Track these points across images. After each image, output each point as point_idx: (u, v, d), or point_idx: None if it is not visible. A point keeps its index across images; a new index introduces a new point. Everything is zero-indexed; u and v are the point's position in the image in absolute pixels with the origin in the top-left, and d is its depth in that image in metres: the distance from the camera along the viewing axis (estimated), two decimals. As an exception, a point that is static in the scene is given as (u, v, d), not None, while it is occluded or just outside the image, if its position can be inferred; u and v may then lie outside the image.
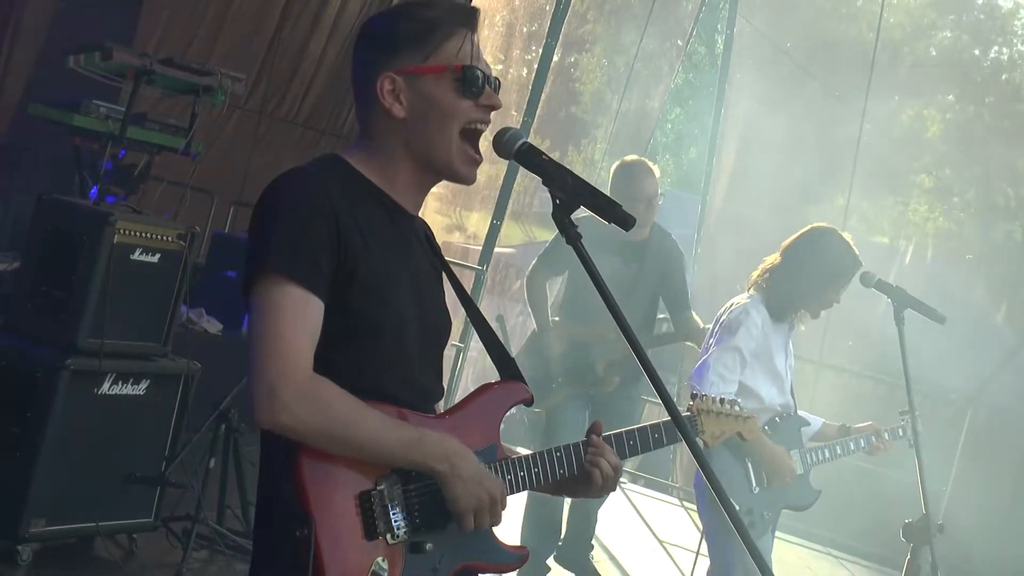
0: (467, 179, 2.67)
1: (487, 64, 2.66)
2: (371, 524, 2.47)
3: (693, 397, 3.30)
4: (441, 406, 2.77)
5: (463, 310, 2.98)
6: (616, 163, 7.02)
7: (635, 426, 3.00)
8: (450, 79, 2.59)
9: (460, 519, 2.56)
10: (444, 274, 2.86)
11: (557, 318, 6.89)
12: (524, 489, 2.76)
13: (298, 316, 2.40)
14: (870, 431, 5.38)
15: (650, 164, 6.84)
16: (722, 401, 3.38)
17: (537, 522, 6.93)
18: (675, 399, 2.66)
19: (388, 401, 2.53)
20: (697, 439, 3.19)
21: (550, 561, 7.04)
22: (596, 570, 7.26)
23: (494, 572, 2.77)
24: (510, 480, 2.71)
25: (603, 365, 6.69)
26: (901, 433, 5.41)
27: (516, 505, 7.10)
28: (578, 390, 6.70)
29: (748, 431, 3.44)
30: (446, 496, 2.53)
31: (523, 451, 2.80)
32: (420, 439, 2.51)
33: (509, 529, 6.79)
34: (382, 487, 2.49)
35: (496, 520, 2.61)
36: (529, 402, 2.79)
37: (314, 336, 2.43)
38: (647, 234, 6.78)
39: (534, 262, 6.98)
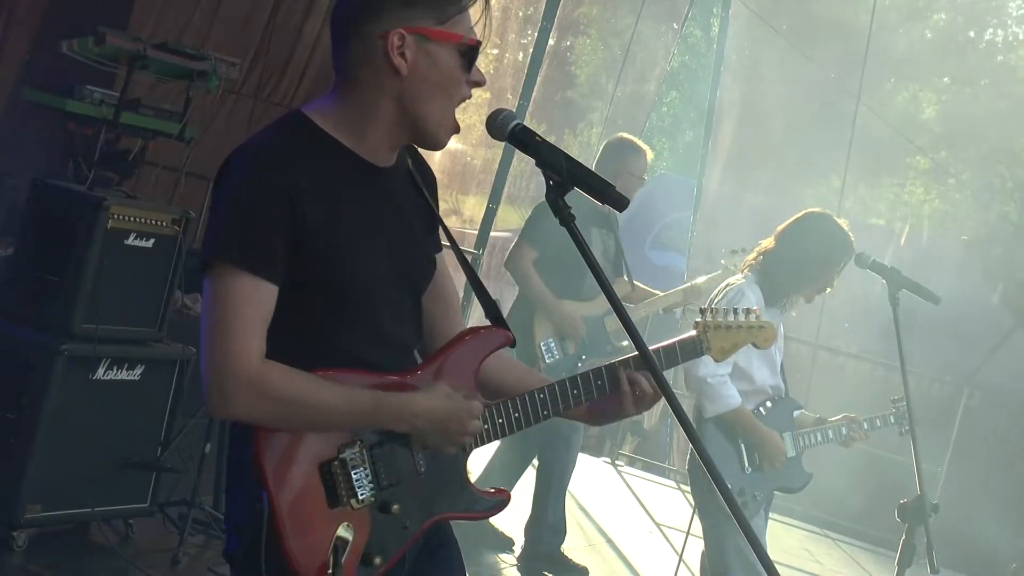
0: (442, 147, 2.66)
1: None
2: (333, 492, 2.48)
3: (701, 312, 3.21)
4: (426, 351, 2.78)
5: (460, 294, 2.98)
6: (611, 138, 7.17)
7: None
8: (458, 50, 2.55)
9: (442, 453, 2.63)
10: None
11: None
12: (505, 435, 2.77)
13: (246, 305, 2.41)
14: (844, 422, 5.36)
15: (642, 143, 7.05)
16: (735, 312, 3.27)
17: (543, 517, 7.00)
18: (671, 383, 2.65)
19: (358, 364, 2.54)
20: (705, 355, 3.16)
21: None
22: (567, 559, 7.17)
23: (472, 519, 2.80)
24: (487, 429, 2.71)
25: (615, 335, 6.79)
26: (892, 420, 5.41)
27: (521, 498, 7.18)
28: (597, 363, 6.74)
29: (763, 339, 3.38)
30: (421, 446, 2.60)
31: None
32: (375, 406, 2.52)
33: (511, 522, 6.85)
34: (344, 455, 2.51)
35: (475, 434, 2.65)
36: (512, 344, 2.78)
37: (264, 322, 2.44)
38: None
39: (521, 244, 6.83)
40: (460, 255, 3.03)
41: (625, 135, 7.23)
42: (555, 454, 6.98)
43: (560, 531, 7.12)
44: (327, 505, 2.48)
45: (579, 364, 6.68)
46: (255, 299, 2.41)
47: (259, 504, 2.41)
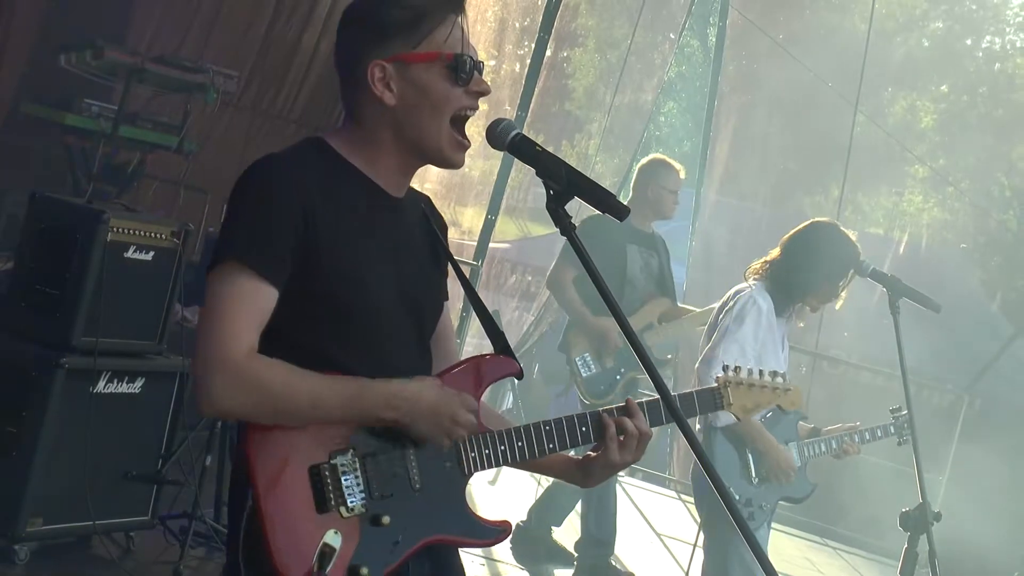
0: (456, 164, 2.68)
1: (474, 49, 2.66)
2: (322, 497, 2.47)
3: (724, 369, 3.23)
4: None
5: (459, 305, 2.97)
6: (647, 159, 7.47)
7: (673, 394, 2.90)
8: (440, 66, 2.59)
9: (436, 446, 2.60)
10: (448, 258, 2.86)
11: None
12: (498, 465, 2.75)
13: (242, 302, 2.44)
14: (846, 431, 5.35)
15: (674, 162, 7.34)
16: (760, 373, 3.29)
17: (589, 532, 7.26)
18: (672, 391, 2.64)
19: None
20: (726, 410, 3.16)
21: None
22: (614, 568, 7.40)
23: (468, 546, 2.78)
24: (487, 454, 2.70)
25: (654, 347, 6.94)
26: (892, 431, 5.40)
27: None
28: (638, 376, 6.88)
29: (789, 403, 3.36)
30: (413, 436, 2.56)
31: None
32: (360, 391, 2.51)
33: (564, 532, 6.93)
34: (336, 460, 2.50)
35: (469, 429, 2.62)
36: (518, 375, 2.77)
37: (258, 322, 2.46)
38: (653, 227, 7.24)
39: (560, 263, 7.01)
40: (469, 286, 3.02)
41: (656, 155, 7.55)
42: None
43: (606, 543, 7.31)
44: (315, 510, 2.46)
45: (617, 377, 6.86)
46: (253, 298, 2.44)
47: (249, 502, 2.42)
